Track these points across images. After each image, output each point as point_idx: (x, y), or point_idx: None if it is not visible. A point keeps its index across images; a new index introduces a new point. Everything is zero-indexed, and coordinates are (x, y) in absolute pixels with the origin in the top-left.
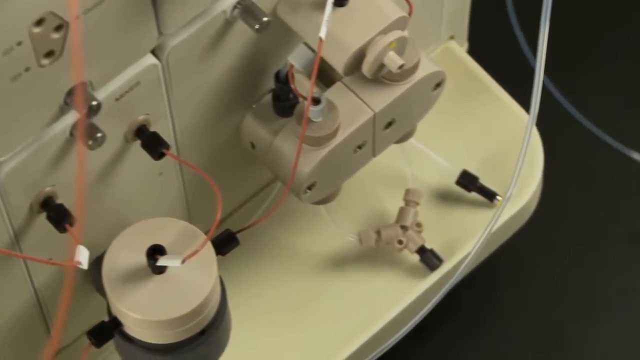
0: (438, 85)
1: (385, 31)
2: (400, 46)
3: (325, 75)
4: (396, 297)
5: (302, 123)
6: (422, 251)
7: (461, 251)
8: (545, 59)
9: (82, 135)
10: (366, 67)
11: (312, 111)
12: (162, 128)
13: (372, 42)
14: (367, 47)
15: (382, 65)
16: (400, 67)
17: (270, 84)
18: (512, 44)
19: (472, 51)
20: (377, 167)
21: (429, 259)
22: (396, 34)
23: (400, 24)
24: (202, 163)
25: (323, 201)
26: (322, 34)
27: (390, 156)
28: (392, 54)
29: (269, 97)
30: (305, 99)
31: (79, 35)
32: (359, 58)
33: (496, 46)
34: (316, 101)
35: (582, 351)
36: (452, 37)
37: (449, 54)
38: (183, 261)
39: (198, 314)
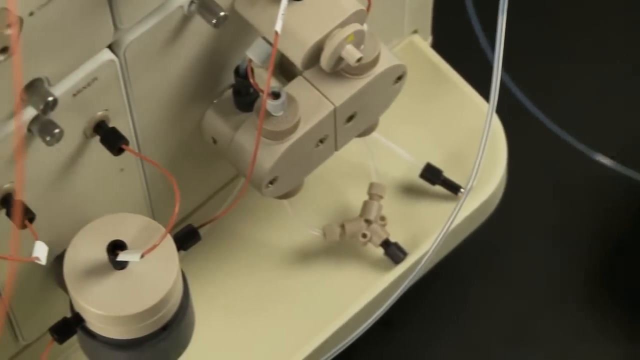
0: (399, 78)
1: (342, 25)
2: (358, 39)
3: (286, 70)
4: (361, 291)
5: (260, 117)
6: (386, 244)
7: (425, 244)
8: (509, 58)
9: (21, 141)
10: (324, 61)
11: (272, 105)
12: (121, 124)
13: (329, 36)
14: (325, 41)
15: (340, 59)
16: (358, 60)
17: (231, 78)
18: (477, 39)
19: (437, 45)
20: (340, 161)
21: (393, 252)
22: (353, 27)
23: (358, 17)
24: (164, 159)
25: (286, 196)
26: (278, 27)
27: (354, 150)
28: (349, 47)
29: (230, 92)
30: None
31: (18, 34)
32: (317, 52)
33: (461, 40)
34: (276, 95)
35: (550, 344)
36: (415, 31)
37: (412, 47)
38: (142, 256)
39: (160, 310)
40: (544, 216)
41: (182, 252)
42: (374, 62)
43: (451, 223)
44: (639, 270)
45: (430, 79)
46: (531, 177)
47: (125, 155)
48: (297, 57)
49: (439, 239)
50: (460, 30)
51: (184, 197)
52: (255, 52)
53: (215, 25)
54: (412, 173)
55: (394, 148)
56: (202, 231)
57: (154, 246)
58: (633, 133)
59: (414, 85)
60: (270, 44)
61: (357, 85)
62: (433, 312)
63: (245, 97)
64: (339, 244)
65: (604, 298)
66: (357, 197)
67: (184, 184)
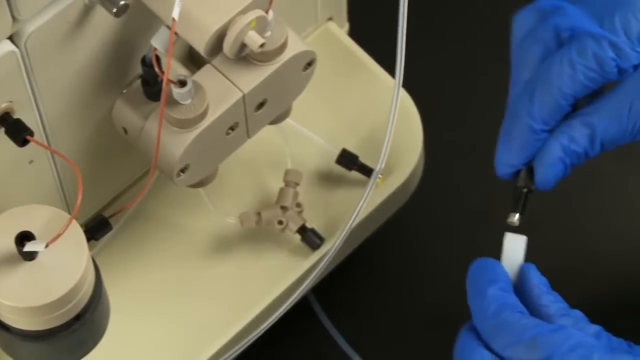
0: (309, 65)
1: (244, 11)
2: (261, 25)
3: (196, 59)
4: (278, 278)
5: (161, 104)
6: (302, 231)
7: (343, 230)
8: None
9: None
10: (227, 47)
11: (179, 93)
12: (28, 115)
13: (231, 22)
14: (227, 28)
15: (243, 45)
16: (261, 46)
17: (140, 68)
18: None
19: (355, 33)
20: (256, 149)
21: (310, 238)
22: (255, 13)
23: (260, 3)
24: (76, 150)
25: (200, 184)
26: (175, 14)
27: (270, 137)
28: (252, 33)
29: (139, 82)
30: (172, 82)
31: None
32: (220, 39)
33: (379, 28)
34: (182, 83)
35: None
36: (330, 19)
37: (328, 35)
38: (47, 245)
39: (71, 299)
40: (467, 197)
41: (101, 242)
42: (282, 48)
43: (361, 207)
44: (556, 250)
45: (346, 65)
46: (452, 156)
47: (34, 147)
48: (200, 44)
49: (349, 224)
50: (380, 19)
51: (101, 188)
52: (159, 41)
53: (116, 15)
54: (329, 159)
55: (309, 135)
56: (120, 220)
57: (58, 235)
58: None
59: (330, 72)
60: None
61: (265, 72)
62: (356, 297)
63: (153, 86)
64: (257, 232)
65: None
66: (273, 184)
67: (99, 174)
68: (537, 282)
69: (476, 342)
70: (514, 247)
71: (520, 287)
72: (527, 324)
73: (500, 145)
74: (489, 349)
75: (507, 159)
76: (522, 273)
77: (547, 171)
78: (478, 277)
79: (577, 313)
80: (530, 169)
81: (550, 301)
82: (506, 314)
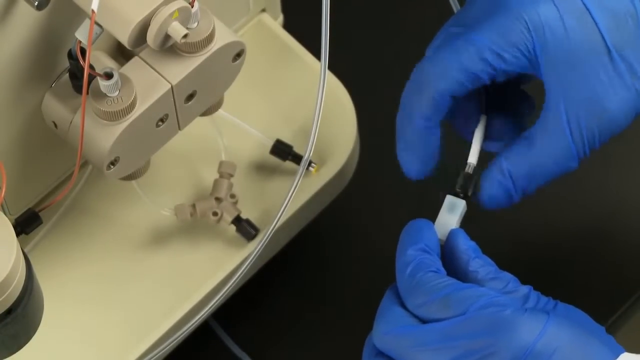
0: (238, 55)
1: (167, 2)
2: (184, 16)
3: (126, 52)
4: (214, 269)
5: (83, 97)
6: (237, 222)
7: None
8: None
9: None
10: (150, 39)
11: (105, 85)
12: None
13: (154, 13)
14: (151, 19)
15: (167, 37)
16: (185, 36)
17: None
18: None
19: (291, 25)
20: (191, 141)
21: (244, 228)
22: (178, 4)
23: None
24: (6, 144)
25: (132, 176)
26: (94, 6)
27: (204, 129)
28: (175, 24)
29: (67, 76)
30: (97, 74)
31: None
32: (144, 30)
33: (314, 19)
34: (108, 75)
35: None
36: (263, 10)
37: (262, 27)
38: None
39: (1, 293)
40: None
41: (36, 237)
42: (210, 39)
43: (292, 196)
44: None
45: (280, 56)
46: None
47: None
48: (123, 36)
49: (280, 213)
50: (315, 10)
51: (34, 182)
52: (83, 33)
53: (38, 8)
54: (263, 150)
55: (244, 126)
56: (55, 215)
57: None
58: None
59: (264, 63)
60: (98, 24)
61: (193, 63)
62: (295, 288)
63: (81, 79)
64: (192, 223)
65: None
66: (208, 176)
67: (32, 169)
68: (465, 247)
69: (394, 300)
70: (450, 211)
71: (449, 254)
72: (440, 284)
73: (398, 146)
74: (406, 307)
75: (409, 160)
76: (449, 239)
77: (486, 191)
78: (404, 237)
79: (507, 275)
80: (470, 175)
81: (479, 265)
82: (420, 274)
